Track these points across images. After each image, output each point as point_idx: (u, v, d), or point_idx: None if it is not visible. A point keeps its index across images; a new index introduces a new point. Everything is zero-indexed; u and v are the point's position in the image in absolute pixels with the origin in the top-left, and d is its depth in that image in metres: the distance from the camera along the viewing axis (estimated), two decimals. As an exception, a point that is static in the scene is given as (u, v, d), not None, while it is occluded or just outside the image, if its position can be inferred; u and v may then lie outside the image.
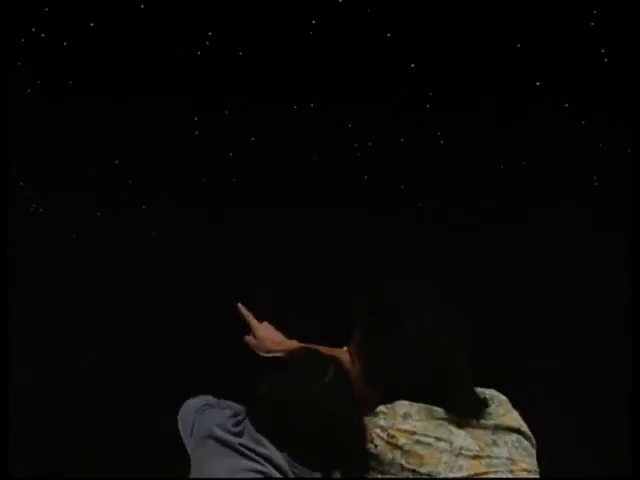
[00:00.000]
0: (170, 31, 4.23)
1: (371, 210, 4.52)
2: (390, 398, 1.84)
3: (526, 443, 1.86)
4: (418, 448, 1.76)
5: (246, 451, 1.74)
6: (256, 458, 1.74)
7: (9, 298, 3.14)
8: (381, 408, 1.84)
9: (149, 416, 4.29)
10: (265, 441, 1.76)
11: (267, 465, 1.73)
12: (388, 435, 1.78)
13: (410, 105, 4.41)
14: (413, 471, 1.75)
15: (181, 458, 2.03)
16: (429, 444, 1.76)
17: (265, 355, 2.31)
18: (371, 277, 4.33)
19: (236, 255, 4.55)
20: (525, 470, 1.80)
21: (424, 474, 1.74)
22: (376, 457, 1.79)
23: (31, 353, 4.38)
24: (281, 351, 2.27)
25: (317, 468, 1.79)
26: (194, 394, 2.16)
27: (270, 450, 1.74)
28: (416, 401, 1.82)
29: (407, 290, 2.01)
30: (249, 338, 2.30)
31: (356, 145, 4.57)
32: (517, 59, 4.25)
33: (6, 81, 3.32)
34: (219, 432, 1.78)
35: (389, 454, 1.78)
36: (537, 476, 1.84)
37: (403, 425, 1.79)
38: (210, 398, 2.01)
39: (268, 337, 2.28)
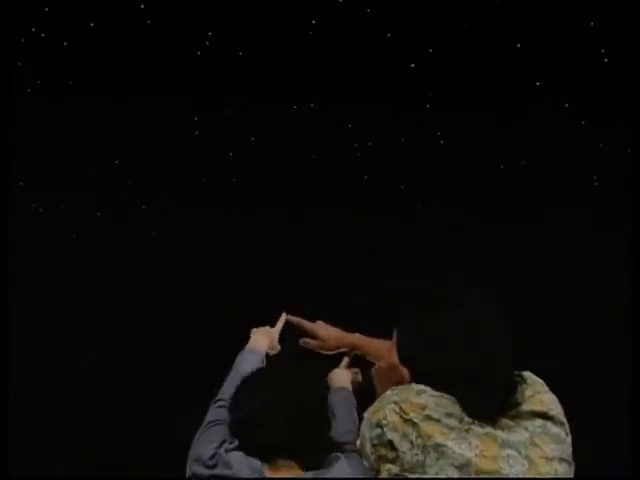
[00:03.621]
0: (170, 31, 4.23)
1: (371, 210, 4.52)
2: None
3: (555, 430, 1.76)
4: (427, 423, 1.71)
5: None
6: None
7: (9, 298, 3.14)
8: (399, 386, 1.81)
9: (149, 416, 4.29)
10: (234, 460, 1.91)
11: None
12: (400, 409, 1.75)
13: (410, 105, 4.41)
14: (424, 447, 1.71)
15: (181, 457, 2.03)
16: (438, 420, 1.71)
17: (330, 353, 2.33)
18: (371, 277, 4.33)
19: (236, 255, 4.55)
20: (545, 457, 1.72)
21: (429, 446, 1.70)
22: (388, 434, 1.76)
23: (31, 353, 4.37)
24: (347, 346, 2.28)
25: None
26: (194, 394, 2.17)
27: (235, 468, 1.90)
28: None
29: (452, 283, 1.98)
30: (307, 341, 2.31)
31: (356, 145, 4.57)
32: (517, 59, 4.25)
33: (6, 81, 3.32)
34: (196, 468, 1.97)
35: (401, 429, 1.74)
36: (562, 465, 1.74)
37: (415, 399, 1.75)
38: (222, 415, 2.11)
39: (331, 335, 2.30)
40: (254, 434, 1.93)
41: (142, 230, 4.64)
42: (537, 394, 1.81)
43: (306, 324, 2.35)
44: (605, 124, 4.36)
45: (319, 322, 2.37)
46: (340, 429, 2.06)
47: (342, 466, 1.94)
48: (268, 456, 1.91)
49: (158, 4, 4.18)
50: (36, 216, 4.58)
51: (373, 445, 1.78)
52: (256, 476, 1.89)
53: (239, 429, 1.97)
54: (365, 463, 1.83)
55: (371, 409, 1.84)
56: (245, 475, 1.89)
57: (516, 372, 1.85)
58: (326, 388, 2.09)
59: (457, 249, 4.43)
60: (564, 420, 1.80)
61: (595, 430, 4.08)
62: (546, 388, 1.84)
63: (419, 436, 1.71)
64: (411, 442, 1.72)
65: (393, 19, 4.20)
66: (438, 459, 1.70)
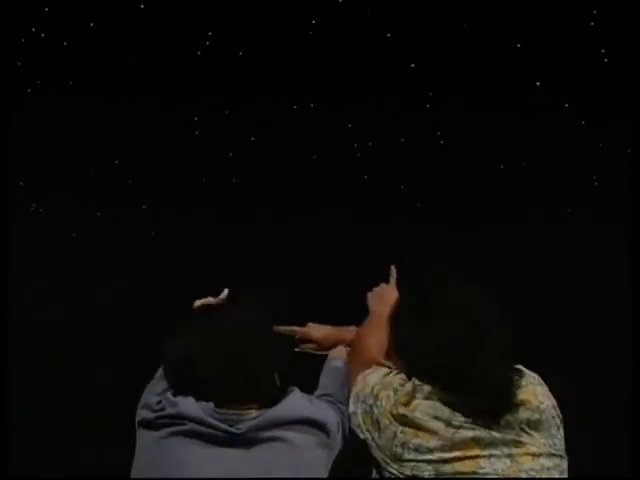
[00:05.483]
0: (170, 31, 4.23)
1: (371, 210, 4.52)
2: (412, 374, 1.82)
3: (546, 424, 1.76)
4: (413, 422, 1.74)
5: (165, 420, 1.91)
6: (173, 422, 1.89)
7: (9, 298, 3.14)
8: (402, 376, 1.83)
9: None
10: (180, 400, 1.89)
11: (185, 422, 1.87)
12: (396, 401, 1.77)
13: (410, 105, 4.41)
14: (404, 444, 1.74)
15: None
16: (425, 421, 1.74)
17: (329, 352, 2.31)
18: (370, 277, 4.33)
19: (236, 255, 4.55)
20: (530, 454, 1.72)
21: (410, 443, 1.72)
22: (377, 416, 1.79)
23: (31, 353, 4.37)
24: (345, 342, 2.26)
25: (243, 405, 1.86)
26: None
27: (180, 407, 1.87)
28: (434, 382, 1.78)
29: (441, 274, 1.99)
30: (306, 346, 2.29)
31: (356, 145, 4.57)
32: (517, 59, 4.25)
33: (6, 81, 3.33)
34: (144, 413, 2.00)
35: (388, 419, 1.77)
36: (550, 460, 1.74)
37: (409, 398, 1.77)
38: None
39: (327, 336, 2.28)
40: (189, 381, 1.90)
41: (142, 230, 4.64)
42: (530, 385, 1.81)
43: (298, 330, 2.33)
44: (605, 124, 4.36)
45: (310, 324, 2.35)
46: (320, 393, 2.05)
47: (295, 396, 1.90)
48: (213, 399, 1.87)
49: (158, 4, 4.18)
50: (36, 216, 4.58)
51: (365, 411, 1.83)
52: (203, 413, 1.85)
53: (174, 377, 1.95)
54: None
55: (373, 377, 1.86)
56: (192, 411, 1.85)
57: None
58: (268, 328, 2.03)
59: (456, 249, 4.43)
60: (555, 413, 1.80)
61: (595, 430, 4.09)
62: (537, 381, 1.84)
63: (403, 432, 1.74)
64: (395, 434, 1.75)
65: (393, 19, 4.20)
66: (416, 457, 1.72)
